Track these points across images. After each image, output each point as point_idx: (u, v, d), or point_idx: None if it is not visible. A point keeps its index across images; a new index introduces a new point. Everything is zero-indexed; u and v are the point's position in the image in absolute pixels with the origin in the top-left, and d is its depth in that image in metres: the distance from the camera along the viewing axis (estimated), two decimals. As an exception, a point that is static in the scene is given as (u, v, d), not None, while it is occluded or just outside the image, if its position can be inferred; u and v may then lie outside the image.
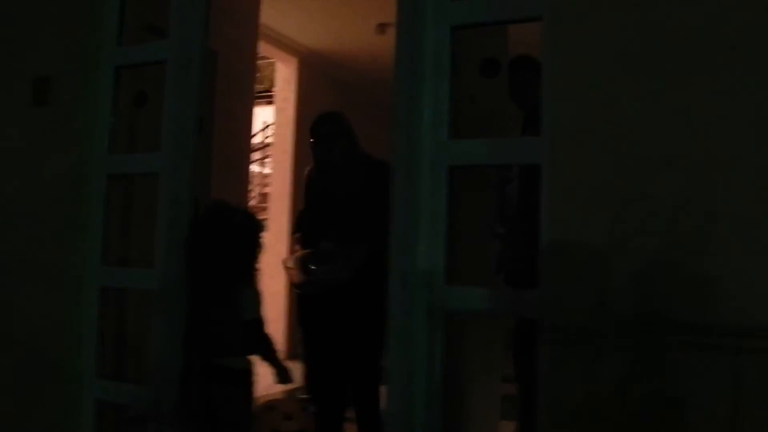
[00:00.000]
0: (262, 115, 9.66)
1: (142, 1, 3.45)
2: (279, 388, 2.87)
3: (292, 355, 6.41)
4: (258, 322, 2.70)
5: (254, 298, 2.67)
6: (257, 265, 2.77)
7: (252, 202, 8.22)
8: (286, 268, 3.25)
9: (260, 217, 2.68)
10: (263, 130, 10.14)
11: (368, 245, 3.37)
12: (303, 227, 3.76)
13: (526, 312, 2.39)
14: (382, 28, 6.64)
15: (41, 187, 3.30)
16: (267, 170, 10.02)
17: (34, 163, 3.33)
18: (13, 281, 3.36)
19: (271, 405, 2.82)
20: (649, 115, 2.11)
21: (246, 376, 2.68)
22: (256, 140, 8.90)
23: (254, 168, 9.32)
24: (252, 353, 2.69)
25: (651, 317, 2.06)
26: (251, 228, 2.75)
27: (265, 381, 2.82)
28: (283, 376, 2.70)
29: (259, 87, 8.07)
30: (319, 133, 3.76)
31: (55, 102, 3.27)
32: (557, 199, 2.22)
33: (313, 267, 3.43)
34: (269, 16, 6.36)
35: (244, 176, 6.44)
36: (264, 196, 9.73)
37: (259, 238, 2.75)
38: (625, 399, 2.08)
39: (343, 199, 3.63)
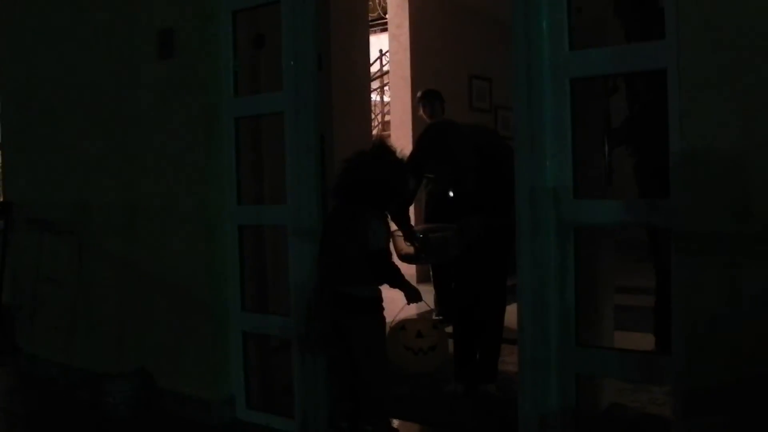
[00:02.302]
0: (378, 44, 9.60)
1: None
2: (411, 309, 2.93)
3: (422, 279, 6.52)
4: (384, 252, 2.75)
5: (381, 229, 2.72)
6: (390, 204, 2.85)
7: (374, 131, 8.26)
8: (395, 237, 3.28)
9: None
10: (380, 58, 10.10)
11: (482, 217, 3.32)
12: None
13: (659, 222, 2.30)
14: (490, -61, 6.44)
15: (175, 135, 3.45)
16: (387, 98, 10.02)
17: (166, 112, 3.48)
18: (158, 226, 3.57)
19: (402, 325, 2.90)
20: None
21: (373, 304, 2.76)
22: (373, 69, 8.89)
23: (374, 97, 9.32)
24: (379, 282, 2.76)
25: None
26: (402, 172, 2.84)
27: (396, 305, 2.90)
28: (412, 295, 2.75)
29: (371, 15, 8.00)
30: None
31: (179, 52, 3.39)
32: (688, 103, 2.10)
33: (422, 237, 3.44)
34: (376, -60, 6.27)
35: (365, 106, 6.48)
36: (386, 125, 9.75)
37: (405, 184, 2.87)
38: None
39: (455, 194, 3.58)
